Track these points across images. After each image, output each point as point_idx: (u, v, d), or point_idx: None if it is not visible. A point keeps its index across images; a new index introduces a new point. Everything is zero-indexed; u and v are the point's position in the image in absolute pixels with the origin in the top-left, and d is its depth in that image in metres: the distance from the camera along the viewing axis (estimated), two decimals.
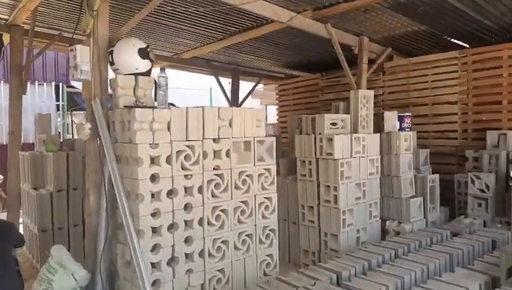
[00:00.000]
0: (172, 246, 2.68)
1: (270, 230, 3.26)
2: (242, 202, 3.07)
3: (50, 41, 4.99)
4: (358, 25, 4.80)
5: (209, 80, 9.34)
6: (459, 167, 5.08)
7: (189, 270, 2.75)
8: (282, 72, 8.00)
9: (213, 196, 2.90)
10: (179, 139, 2.72)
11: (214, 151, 2.92)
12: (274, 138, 3.33)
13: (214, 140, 2.92)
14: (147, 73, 2.90)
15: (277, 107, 8.25)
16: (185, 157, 2.75)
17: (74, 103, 8.81)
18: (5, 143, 7.52)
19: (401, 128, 4.67)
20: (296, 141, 4.17)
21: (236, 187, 3.04)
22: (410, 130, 4.72)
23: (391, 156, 4.31)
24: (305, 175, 4.08)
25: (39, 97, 8.17)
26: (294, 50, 6.03)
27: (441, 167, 5.14)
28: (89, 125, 2.64)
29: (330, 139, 3.83)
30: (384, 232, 4.23)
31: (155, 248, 2.61)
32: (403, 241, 3.55)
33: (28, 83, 8.01)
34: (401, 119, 4.71)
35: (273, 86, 8.85)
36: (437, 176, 4.45)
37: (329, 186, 3.87)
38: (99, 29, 2.69)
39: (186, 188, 2.76)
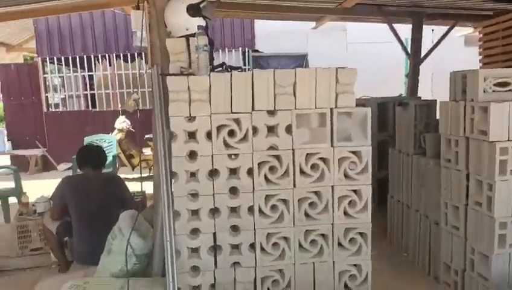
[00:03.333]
0: (214, 234, 2.34)
1: (358, 233, 2.41)
2: (312, 192, 2.36)
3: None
4: None
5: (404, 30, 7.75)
6: None
7: (236, 263, 2.37)
8: (490, 8, 5.78)
9: (268, 181, 2.33)
10: (221, 112, 2.27)
11: (268, 127, 2.30)
12: (368, 109, 2.36)
13: (269, 112, 2.30)
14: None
15: (480, 58, 6.15)
16: (229, 133, 2.28)
17: (259, 66, 9.25)
18: None
19: None
20: (441, 110, 2.89)
21: (303, 173, 2.34)
22: None
23: None
24: (449, 160, 2.81)
25: (229, 62, 8.95)
26: None
27: None
28: (135, 96, 2.53)
29: (485, 109, 2.43)
30: None
31: (193, 233, 2.34)
32: None
33: (220, 50, 8.96)
34: None
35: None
36: None
37: (481, 182, 2.53)
38: None
39: (230, 170, 2.32)
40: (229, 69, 2.53)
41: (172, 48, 2.45)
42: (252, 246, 2.36)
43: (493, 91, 2.53)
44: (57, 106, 8.93)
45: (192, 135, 2.30)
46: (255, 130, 2.29)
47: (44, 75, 8.74)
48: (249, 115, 2.27)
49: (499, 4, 5.49)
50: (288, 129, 2.31)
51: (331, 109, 2.32)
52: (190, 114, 2.26)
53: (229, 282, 2.37)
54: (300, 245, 2.38)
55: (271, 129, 2.32)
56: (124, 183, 3.27)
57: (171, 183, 2.28)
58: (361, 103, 5.09)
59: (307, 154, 2.33)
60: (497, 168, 2.38)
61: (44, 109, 8.68)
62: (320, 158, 2.34)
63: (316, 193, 2.37)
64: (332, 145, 2.33)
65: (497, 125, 2.38)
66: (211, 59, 2.61)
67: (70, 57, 8.65)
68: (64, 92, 8.88)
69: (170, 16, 2.48)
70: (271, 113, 2.29)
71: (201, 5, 2.47)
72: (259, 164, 2.31)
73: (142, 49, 2.73)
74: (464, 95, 2.67)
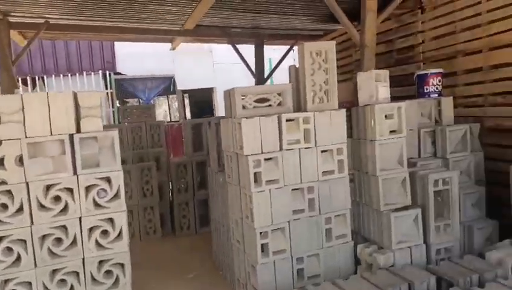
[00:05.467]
0: None
1: (114, 265, 2.27)
2: (56, 227, 2.16)
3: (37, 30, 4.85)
4: None
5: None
6: None
7: None
8: (320, 28, 6.34)
9: None
10: None
11: None
12: (115, 132, 2.27)
13: None
14: None
15: None
16: None
17: (124, 89, 8.89)
18: None
19: (422, 94, 3.03)
20: (222, 127, 2.95)
21: (43, 207, 2.13)
22: (439, 95, 3.05)
23: (366, 143, 2.69)
24: (230, 176, 2.87)
25: (88, 87, 8.47)
26: None
27: (502, 150, 3.17)
28: None
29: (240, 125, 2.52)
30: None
31: None
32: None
33: (77, 74, 8.39)
34: (422, 79, 3.03)
35: None
36: (455, 173, 2.62)
37: (246, 195, 2.59)
38: None
39: None
40: None
41: None
42: None
43: (254, 107, 2.64)
44: None
45: None
46: None
47: None
48: None
49: (327, 25, 6.07)
50: (19, 160, 2.09)
51: (71, 135, 2.17)
52: None
53: None
54: (46, 288, 2.15)
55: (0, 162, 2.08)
56: None
57: None
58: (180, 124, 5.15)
59: (48, 185, 2.13)
60: (252, 180, 2.45)
61: None
62: (65, 188, 2.16)
63: (62, 227, 2.17)
64: (75, 174, 2.17)
65: (250, 140, 2.47)
66: None
67: None
68: None
69: None
70: None
71: None
72: None
73: None
74: (230, 112, 2.75)
